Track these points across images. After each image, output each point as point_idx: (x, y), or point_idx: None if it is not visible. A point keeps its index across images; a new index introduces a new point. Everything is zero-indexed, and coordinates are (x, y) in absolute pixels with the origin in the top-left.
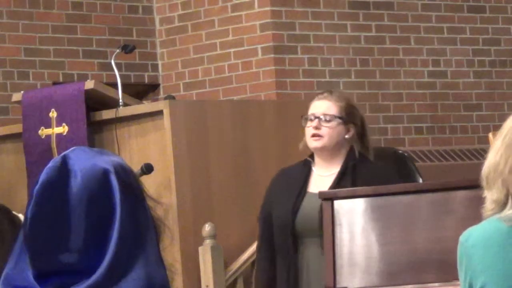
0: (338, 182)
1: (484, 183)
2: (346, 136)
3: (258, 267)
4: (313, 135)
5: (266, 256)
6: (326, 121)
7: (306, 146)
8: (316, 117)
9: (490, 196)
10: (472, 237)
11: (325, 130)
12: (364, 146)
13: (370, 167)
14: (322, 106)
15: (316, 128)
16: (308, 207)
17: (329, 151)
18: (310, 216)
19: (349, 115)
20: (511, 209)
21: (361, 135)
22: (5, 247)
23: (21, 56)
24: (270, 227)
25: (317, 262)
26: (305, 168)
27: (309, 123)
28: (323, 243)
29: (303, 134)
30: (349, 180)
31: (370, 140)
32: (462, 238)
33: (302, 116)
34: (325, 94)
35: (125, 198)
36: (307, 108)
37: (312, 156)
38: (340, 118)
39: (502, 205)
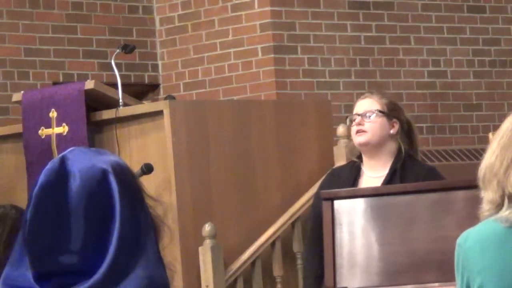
0: (387, 184)
1: (480, 184)
2: (391, 132)
3: (306, 265)
4: (357, 131)
5: (314, 255)
6: (368, 117)
7: (352, 149)
8: (359, 115)
9: (486, 196)
10: (470, 238)
11: (368, 125)
12: (411, 146)
13: (417, 168)
14: (364, 104)
15: (359, 124)
16: None
17: (374, 147)
18: None
19: (392, 111)
20: (507, 210)
21: (408, 134)
22: None
23: (21, 56)
24: (321, 226)
25: None
26: (354, 169)
27: (353, 123)
28: None
29: (304, 134)
30: (397, 182)
31: (418, 140)
32: (459, 240)
33: (347, 117)
34: (366, 94)
35: (125, 198)
36: (307, 108)
37: (359, 157)
38: (382, 112)
39: (498, 206)
